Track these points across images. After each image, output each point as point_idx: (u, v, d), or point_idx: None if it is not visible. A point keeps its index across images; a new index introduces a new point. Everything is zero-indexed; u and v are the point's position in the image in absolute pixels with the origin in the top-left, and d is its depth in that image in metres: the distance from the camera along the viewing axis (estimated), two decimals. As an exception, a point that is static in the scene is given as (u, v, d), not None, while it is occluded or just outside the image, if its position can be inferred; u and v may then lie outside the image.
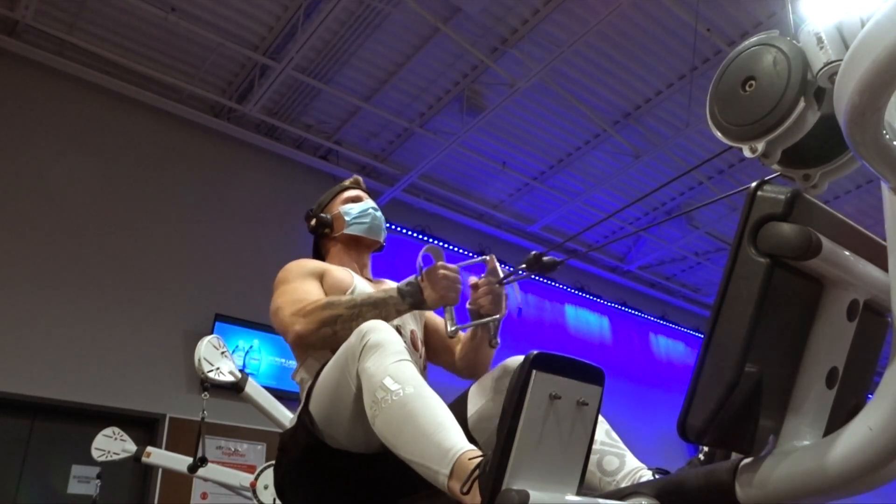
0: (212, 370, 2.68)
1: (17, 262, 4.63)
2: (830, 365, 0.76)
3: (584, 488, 0.92)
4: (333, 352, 1.36)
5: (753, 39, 0.82)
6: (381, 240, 1.89)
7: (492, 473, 0.85)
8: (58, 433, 4.57)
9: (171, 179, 5.44)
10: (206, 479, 3.11)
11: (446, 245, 6.75)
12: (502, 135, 6.09)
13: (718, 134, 0.83)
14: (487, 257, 1.60)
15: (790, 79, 0.76)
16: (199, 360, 2.67)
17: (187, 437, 3.98)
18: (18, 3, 4.61)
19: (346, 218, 1.84)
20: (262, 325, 5.39)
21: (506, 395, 0.88)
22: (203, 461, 2.90)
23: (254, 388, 2.84)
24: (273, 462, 1.77)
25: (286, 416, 2.83)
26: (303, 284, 1.61)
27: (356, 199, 1.90)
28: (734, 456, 0.82)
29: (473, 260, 1.65)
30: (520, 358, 0.89)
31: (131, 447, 3.08)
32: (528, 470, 0.85)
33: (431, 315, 1.81)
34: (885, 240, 0.70)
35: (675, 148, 6.12)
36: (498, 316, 1.55)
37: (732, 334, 0.72)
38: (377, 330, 1.23)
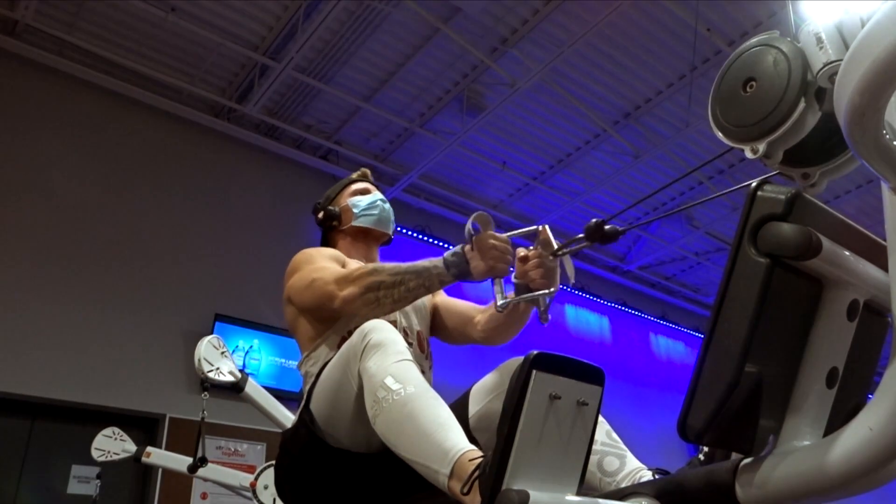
0: (212, 370, 2.68)
1: (16, 262, 4.63)
2: (830, 365, 0.76)
3: (584, 488, 0.92)
4: (338, 347, 1.36)
5: (754, 40, 0.82)
6: (390, 232, 1.87)
7: (492, 474, 0.85)
8: (58, 433, 4.57)
9: (171, 179, 5.44)
10: (206, 479, 3.11)
11: (447, 245, 6.75)
12: (502, 135, 6.09)
13: (720, 135, 0.83)
14: (540, 227, 1.47)
15: (790, 79, 0.76)
16: (199, 360, 2.67)
17: (187, 437, 3.98)
18: (18, 3, 4.61)
19: (355, 210, 1.82)
20: (262, 325, 5.39)
21: (506, 395, 0.88)
22: (203, 461, 2.90)
23: (254, 388, 2.84)
24: (273, 462, 1.77)
25: (286, 416, 2.83)
26: (331, 264, 1.60)
27: (364, 192, 1.88)
28: (734, 456, 0.82)
29: (525, 230, 1.50)
30: (520, 358, 0.89)
31: (131, 447, 3.08)
32: (528, 470, 0.85)
33: (443, 297, 1.79)
34: (885, 240, 0.70)
35: (675, 148, 6.12)
36: (552, 289, 1.43)
37: (732, 334, 0.72)
38: (379, 329, 1.23)
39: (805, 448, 0.73)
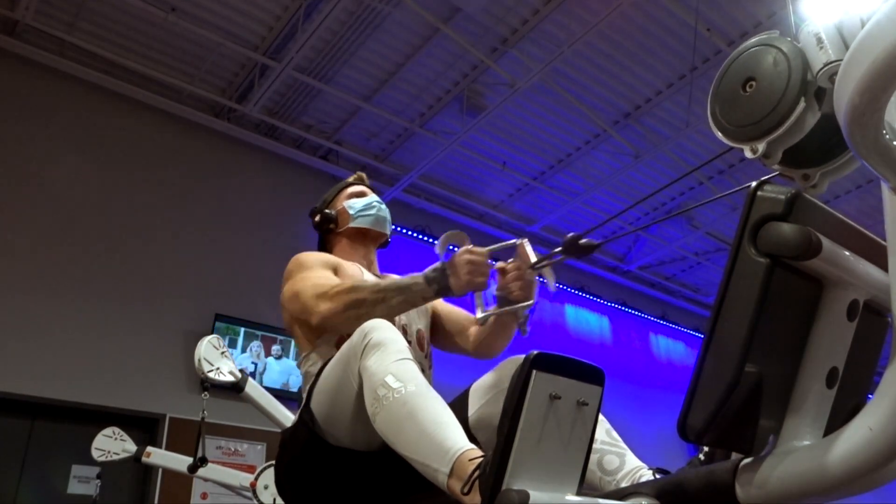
0: (212, 370, 2.69)
1: (16, 262, 4.63)
2: (830, 365, 0.76)
3: (584, 488, 0.92)
4: (338, 347, 1.36)
5: (754, 40, 0.82)
6: (387, 232, 1.87)
7: (492, 473, 0.85)
8: (58, 433, 4.57)
9: (170, 179, 5.44)
10: (206, 479, 3.11)
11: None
12: (502, 135, 6.09)
13: (719, 134, 0.83)
14: (518, 241, 1.53)
15: (790, 79, 0.76)
16: (199, 360, 2.67)
17: (187, 437, 3.98)
18: (18, 3, 4.61)
19: (351, 212, 1.82)
20: (263, 324, 5.39)
21: (506, 395, 0.88)
22: (203, 461, 2.90)
23: (254, 388, 2.84)
24: (273, 462, 1.77)
25: (286, 416, 2.83)
26: (322, 272, 1.60)
27: (360, 194, 1.89)
28: (734, 456, 0.82)
29: (503, 244, 1.56)
30: (520, 358, 0.89)
31: (131, 447, 3.08)
32: (528, 470, 0.85)
33: (441, 303, 1.79)
34: (885, 240, 0.70)
35: (675, 148, 6.12)
36: (530, 302, 1.48)
37: (732, 334, 0.72)
38: (379, 328, 1.23)
39: (805, 448, 0.73)
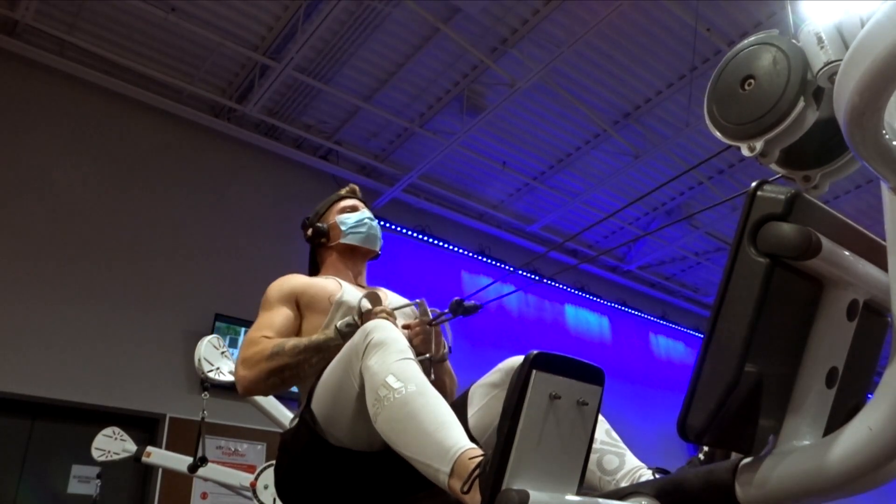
0: (212, 370, 2.69)
1: (16, 262, 4.63)
2: (830, 365, 0.76)
3: (583, 487, 0.93)
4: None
5: (753, 38, 0.82)
6: (377, 249, 1.91)
7: (492, 473, 0.85)
8: (58, 433, 4.57)
9: (171, 179, 5.44)
10: (206, 479, 3.11)
11: (446, 245, 6.76)
12: (502, 135, 6.09)
13: (717, 132, 0.83)
14: (419, 301, 1.69)
15: (790, 78, 0.76)
16: (199, 360, 2.68)
17: (187, 437, 3.98)
18: (18, 3, 4.61)
19: (343, 227, 1.86)
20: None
21: (506, 394, 0.88)
22: (203, 461, 2.90)
23: (254, 388, 2.84)
24: (273, 462, 1.77)
25: (286, 416, 2.83)
26: (274, 313, 1.64)
27: (352, 209, 1.92)
28: (734, 456, 0.82)
29: (407, 304, 1.73)
30: (520, 358, 0.89)
31: (131, 447, 3.08)
32: (528, 470, 0.85)
33: None
34: (885, 240, 0.70)
35: (675, 148, 6.12)
36: (429, 354, 1.62)
37: (732, 334, 0.72)
38: (380, 328, 1.23)
39: (805, 448, 0.73)
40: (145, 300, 5.03)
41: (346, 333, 1.49)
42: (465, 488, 0.92)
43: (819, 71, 0.74)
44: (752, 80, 0.80)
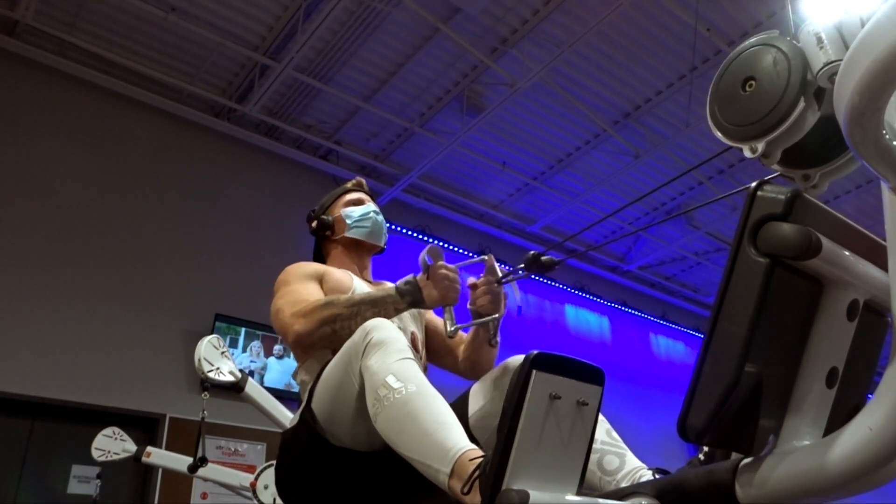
0: (212, 370, 2.68)
1: (16, 262, 4.63)
2: (830, 365, 0.76)
3: (584, 488, 0.93)
4: (334, 352, 1.36)
5: (753, 39, 0.82)
6: (382, 244, 1.89)
7: (492, 473, 0.85)
8: (58, 433, 4.57)
9: (171, 179, 5.44)
10: (206, 479, 3.11)
11: (446, 245, 6.75)
12: (502, 135, 6.09)
13: (718, 134, 0.83)
14: (486, 257, 1.60)
15: (790, 79, 0.76)
16: (199, 360, 2.67)
17: (187, 437, 3.98)
18: (18, 3, 4.61)
19: (348, 221, 1.84)
20: (263, 325, 5.39)
21: (506, 395, 0.88)
22: (203, 461, 2.90)
23: (254, 388, 2.84)
24: (273, 462, 1.77)
25: (286, 416, 2.83)
26: (303, 286, 1.61)
27: (358, 202, 1.90)
28: (734, 456, 0.82)
29: (472, 260, 1.64)
30: (520, 358, 0.89)
31: (131, 447, 3.08)
32: (528, 470, 0.85)
33: (432, 317, 1.81)
34: (885, 240, 0.70)
35: (675, 148, 6.12)
36: (496, 315, 1.54)
37: (732, 334, 0.72)
38: (380, 328, 1.23)
39: (805, 448, 0.73)
40: (145, 300, 5.03)
41: (405, 291, 1.49)
42: (466, 489, 0.92)
43: (819, 71, 0.74)
44: (752, 82, 0.80)
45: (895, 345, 0.69)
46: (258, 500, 2.87)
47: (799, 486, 0.71)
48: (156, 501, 4.61)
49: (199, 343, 2.73)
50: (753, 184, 0.75)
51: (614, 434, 1.34)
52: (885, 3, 0.57)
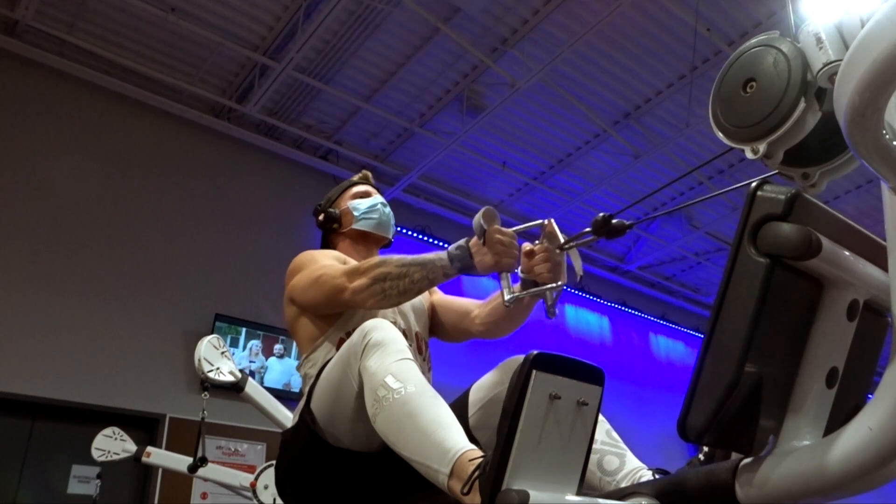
0: (212, 370, 2.68)
1: (16, 262, 4.63)
2: (830, 365, 0.76)
3: (584, 488, 0.93)
4: (338, 348, 1.36)
5: (754, 41, 0.82)
6: (390, 235, 1.88)
7: (492, 473, 0.85)
8: (58, 433, 4.57)
9: (170, 179, 5.44)
10: (206, 479, 3.11)
11: (447, 245, 6.73)
12: (502, 135, 6.09)
13: (721, 135, 0.83)
14: (546, 221, 1.47)
15: (790, 79, 0.76)
16: (199, 360, 2.67)
17: (187, 437, 3.97)
18: (18, 3, 4.61)
19: (355, 213, 1.83)
20: (263, 324, 5.39)
21: (506, 395, 0.88)
22: (203, 461, 2.90)
23: (254, 388, 2.84)
24: (273, 462, 1.77)
25: (286, 416, 2.83)
26: (334, 262, 1.61)
27: (365, 195, 1.89)
28: (734, 456, 0.83)
29: (530, 224, 1.51)
30: (520, 358, 0.89)
31: (131, 447, 3.08)
32: (528, 470, 0.85)
33: (440, 295, 1.80)
34: (885, 240, 0.70)
35: (675, 148, 6.12)
36: (560, 283, 1.41)
37: (732, 334, 0.72)
38: (379, 328, 1.23)
39: (805, 448, 0.73)
40: (145, 300, 5.03)
41: (455, 256, 1.45)
42: (465, 489, 0.92)
43: (819, 71, 0.74)
44: (753, 83, 0.80)
45: (895, 345, 0.69)
46: (258, 501, 2.87)
47: (799, 486, 0.71)
48: (156, 501, 4.61)
49: (200, 343, 2.73)
50: (753, 184, 0.75)
51: (614, 434, 1.34)
52: (885, 3, 0.57)
